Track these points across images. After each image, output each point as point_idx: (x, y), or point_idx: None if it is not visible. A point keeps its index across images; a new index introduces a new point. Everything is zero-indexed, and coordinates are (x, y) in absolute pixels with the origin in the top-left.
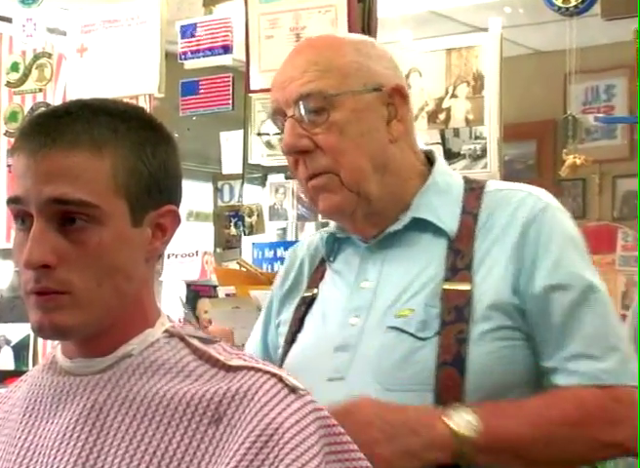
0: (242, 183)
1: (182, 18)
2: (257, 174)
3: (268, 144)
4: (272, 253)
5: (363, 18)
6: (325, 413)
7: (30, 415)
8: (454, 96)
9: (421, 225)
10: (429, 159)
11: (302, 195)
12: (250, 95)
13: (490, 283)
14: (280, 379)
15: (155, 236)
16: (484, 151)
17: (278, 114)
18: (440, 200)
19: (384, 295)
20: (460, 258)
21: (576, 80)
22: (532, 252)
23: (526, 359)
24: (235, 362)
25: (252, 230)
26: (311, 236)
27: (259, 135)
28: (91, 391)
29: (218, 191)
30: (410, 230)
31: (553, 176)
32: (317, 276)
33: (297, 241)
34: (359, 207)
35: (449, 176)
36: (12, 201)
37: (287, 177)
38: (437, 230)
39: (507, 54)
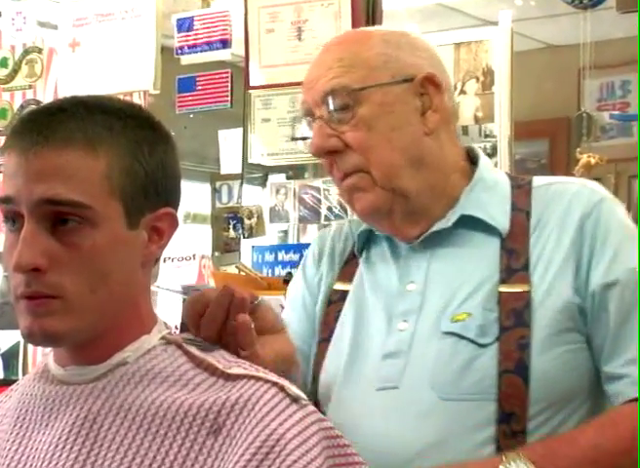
0: (241, 184)
1: (179, 11)
2: (257, 174)
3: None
4: (273, 256)
5: (367, 10)
6: (328, 424)
7: (21, 426)
8: (462, 92)
9: (471, 223)
10: (470, 156)
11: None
12: (249, 91)
13: (549, 283)
14: (282, 389)
15: (151, 239)
16: (494, 150)
17: (309, 116)
18: (489, 197)
19: (434, 298)
20: (514, 258)
21: (590, 75)
22: (589, 247)
23: (587, 363)
24: (235, 370)
25: (251, 233)
26: (339, 224)
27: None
28: (84, 400)
29: (216, 192)
30: (458, 228)
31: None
32: (350, 269)
33: (298, 244)
34: (396, 204)
35: (495, 173)
36: (2, 201)
37: (288, 178)
38: (488, 228)
39: (518, 48)
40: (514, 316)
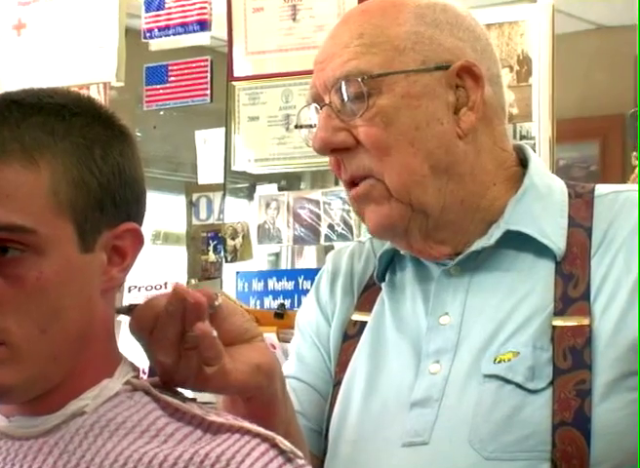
0: (223, 196)
1: None
2: (242, 184)
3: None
4: (262, 284)
5: None
6: None
7: None
8: None
9: (519, 241)
10: (520, 158)
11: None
12: (233, 83)
13: (614, 314)
14: (273, 445)
15: (112, 262)
16: None
17: (315, 101)
18: (542, 208)
19: (474, 334)
20: (573, 285)
21: None
22: None
23: None
24: (215, 418)
25: (236, 256)
26: (360, 242)
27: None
28: (33, 458)
29: (192, 206)
30: (502, 247)
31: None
32: (370, 297)
33: (293, 270)
34: (413, 222)
35: (549, 178)
36: None
37: (280, 189)
38: (540, 248)
39: (562, 30)
40: (572, 355)
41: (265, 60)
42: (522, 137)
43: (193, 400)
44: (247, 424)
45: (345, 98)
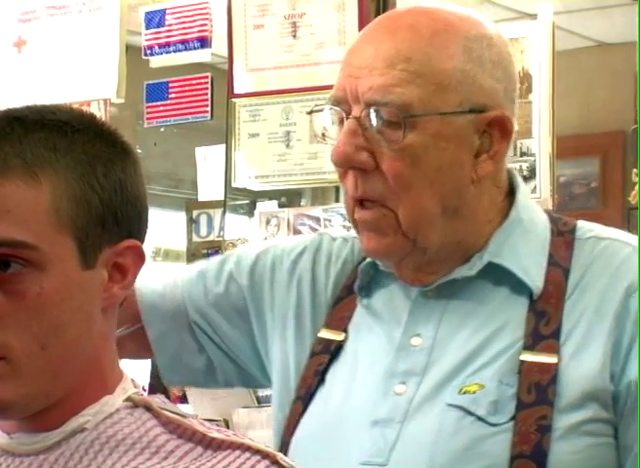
0: (223, 213)
1: (148, 2)
2: (242, 200)
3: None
4: None
5: (378, 1)
6: None
7: None
8: None
9: (497, 274)
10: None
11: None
12: (234, 100)
13: (583, 360)
14: (274, 461)
15: (113, 279)
16: (532, 171)
17: (340, 104)
18: (525, 245)
19: (443, 361)
20: (544, 323)
21: None
22: (631, 327)
23: (613, 462)
24: (216, 435)
25: None
26: (343, 240)
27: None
28: None
29: (192, 223)
30: (480, 277)
31: (621, 203)
32: (344, 313)
33: None
34: (410, 256)
35: (533, 212)
36: None
37: (281, 205)
38: (518, 284)
39: (562, 47)
40: (536, 391)
41: (266, 77)
42: (522, 154)
43: (195, 417)
44: (248, 441)
45: (377, 122)
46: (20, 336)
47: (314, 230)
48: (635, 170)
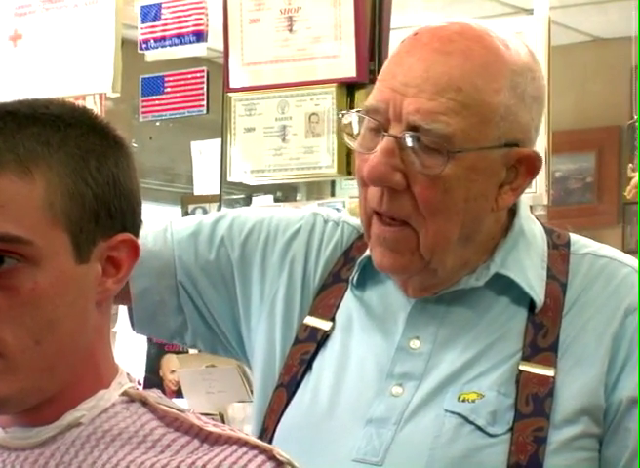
0: (219, 207)
1: None
2: (238, 195)
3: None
4: None
5: None
6: None
7: None
8: None
9: (502, 284)
10: None
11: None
12: (229, 94)
13: (579, 376)
14: (271, 456)
15: (107, 273)
16: None
17: (378, 114)
18: (528, 257)
19: (442, 366)
20: (542, 335)
21: None
22: (626, 348)
23: None
24: (212, 429)
25: None
26: (334, 224)
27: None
28: None
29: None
30: (483, 287)
31: (617, 198)
32: (330, 301)
33: None
34: (421, 274)
35: (532, 223)
36: None
37: (277, 200)
38: (521, 296)
39: (558, 42)
40: (534, 402)
41: (262, 72)
42: None
43: (191, 411)
44: (245, 435)
45: (416, 146)
46: (15, 332)
47: None
48: (631, 164)
